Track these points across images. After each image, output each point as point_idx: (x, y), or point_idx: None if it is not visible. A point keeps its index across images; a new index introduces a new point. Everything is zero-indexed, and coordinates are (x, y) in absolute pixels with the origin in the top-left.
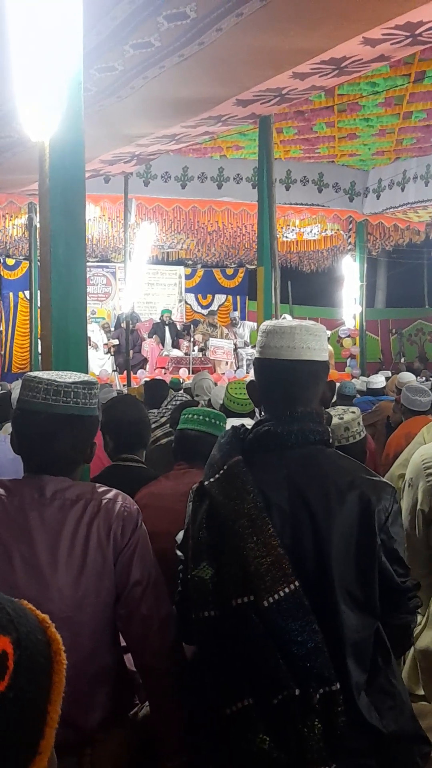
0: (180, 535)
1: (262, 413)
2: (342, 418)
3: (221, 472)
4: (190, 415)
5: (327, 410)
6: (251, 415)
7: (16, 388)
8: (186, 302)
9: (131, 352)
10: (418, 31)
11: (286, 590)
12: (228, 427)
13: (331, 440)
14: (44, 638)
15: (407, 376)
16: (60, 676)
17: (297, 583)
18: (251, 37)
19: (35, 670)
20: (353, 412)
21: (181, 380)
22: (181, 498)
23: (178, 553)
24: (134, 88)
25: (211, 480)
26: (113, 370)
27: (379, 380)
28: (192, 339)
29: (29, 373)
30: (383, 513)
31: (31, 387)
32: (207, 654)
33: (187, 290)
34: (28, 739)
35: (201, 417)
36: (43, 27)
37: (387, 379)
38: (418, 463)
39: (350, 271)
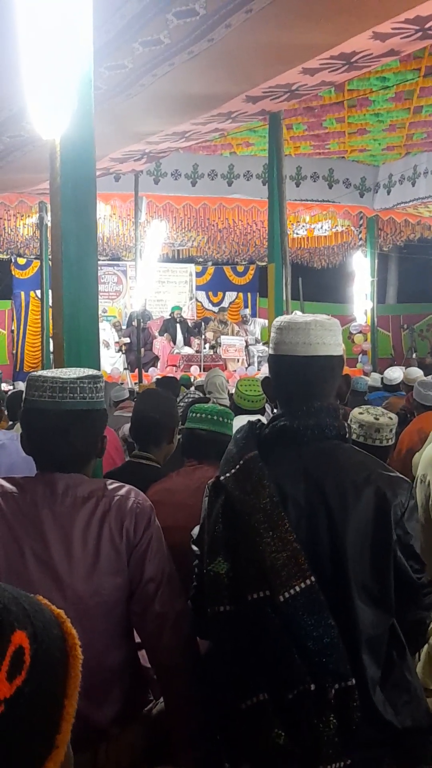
0: (195, 530)
1: (275, 410)
2: (377, 419)
3: (237, 466)
4: (197, 414)
5: (367, 410)
6: (262, 411)
7: None
8: (197, 300)
9: (142, 350)
10: (428, 25)
11: (302, 585)
12: (238, 424)
13: (347, 435)
14: (60, 633)
15: (415, 372)
16: (76, 670)
17: (313, 578)
18: (261, 33)
19: (51, 665)
20: (391, 418)
21: (192, 378)
22: (193, 494)
23: (194, 547)
24: (144, 85)
25: (227, 475)
26: (125, 369)
27: (395, 375)
28: (203, 336)
29: (33, 373)
30: (399, 508)
31: (36, 386)
32: (222, 649)
33: (198, 288)
34: (45, 733)
35: (208, 416)
36: (53, 25)
37: None
38: (431, 458)
39: (361, 267)
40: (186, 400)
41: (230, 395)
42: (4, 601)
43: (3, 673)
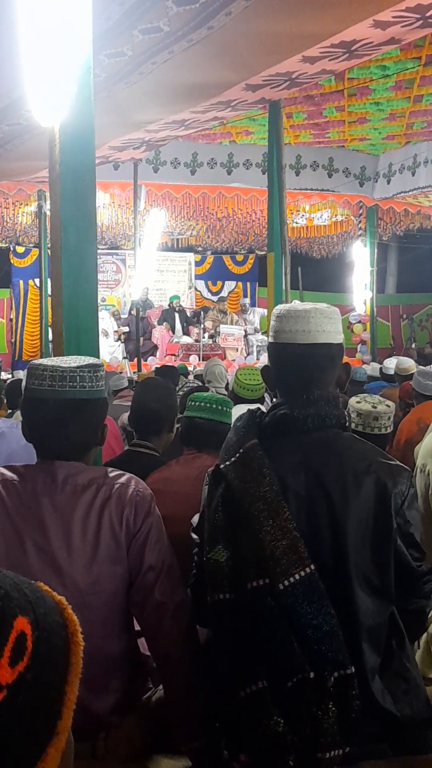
0: (195, 518)
1: (274, 399)
2: (375, 408)
3: (237, 455)
4: (196, 403)
5: (364, 399)
6: (261, 401)
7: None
8: (196, 289)
9: (141, 339)
10: (429, 14)
11: (302, 573)
12: (237, 413)
13: (347, 423)
14: (61, 620)
15: (406, 362)
16: (77, 657)
17: (312, 567)
18: (261, 20)
19: (53, 651)
20: (388, 406)
21: (192, 367)
22: (192, 482)
23: (194, 535)
24: (143, 73)
25: (227, 463)
26: (123, 358)
27: (393, 365)
28: (202, 326)
29: (34, 361)
30: (399, 497)
31: (36, 375)
32: (222, 637)
33: (197, 277)
34: (47, 720)
35: (207, 404)
36: (53, 13)
37: None
38: (430, 448)
39: (360, 257)
40: (185, 389)
41: (226, 386)
42: (6, 587)
43: (5, 658)
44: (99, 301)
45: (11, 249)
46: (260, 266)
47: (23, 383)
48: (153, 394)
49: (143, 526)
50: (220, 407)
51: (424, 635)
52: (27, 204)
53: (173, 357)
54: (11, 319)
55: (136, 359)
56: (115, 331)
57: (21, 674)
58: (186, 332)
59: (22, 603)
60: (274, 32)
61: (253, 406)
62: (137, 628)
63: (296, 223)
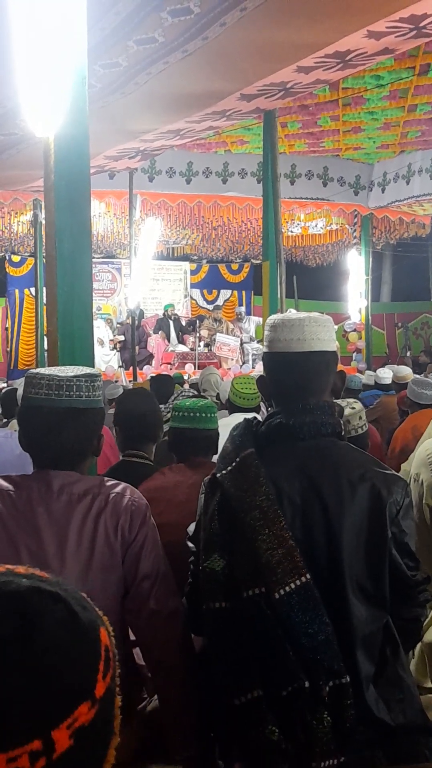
0: (191, 527)
1: (269, 408)
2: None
3: (234, 464)
4: (179, 413)
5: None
6: (257, 410)
7: (21, 384)
8: (191, 297)
9: (137, 347)
10: (422, 24)
11: (297, 582)
12: (233, 422)
13: (343, 432)
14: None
15: (404, 370)
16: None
17: (308, 576)
18: (255, 31)
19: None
20: (354, 408)
21: (187, 375)
22: (187, 490)
23: (190, 544)
24: (138, 83)
25: (224, 472)
26: (119, 366)
27: (387, 374)
28: (198, 334)
29: (31, 370)
30: (394, 506)
31: (33, 383)
32: (217, 645)
33: (193, 285)
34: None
35: (190, 413)
36: (47, 23)
37: None
38: (423, 457)
39: (355, 265)
40: (180, 398)
41: (218, 396)
42: (83, 603)
43: (100, 672)
44: (94, 309)
45: (7, 258)
46: (255, 275)
47: (18, 392)
48: (137, 400)
49: (138, 536)
50: (203, 414)
51: (419, 644)
52: (22, 213)
53: (169, 366)
54: (6, 328)
55: (131, 368)
56: (111, 340)
57: (108, 687)
58: (181, 341)
59: (95, 615)
60: (269, 43)
61: (250, 415)
62: (132, 637)
63: (291, 231)
